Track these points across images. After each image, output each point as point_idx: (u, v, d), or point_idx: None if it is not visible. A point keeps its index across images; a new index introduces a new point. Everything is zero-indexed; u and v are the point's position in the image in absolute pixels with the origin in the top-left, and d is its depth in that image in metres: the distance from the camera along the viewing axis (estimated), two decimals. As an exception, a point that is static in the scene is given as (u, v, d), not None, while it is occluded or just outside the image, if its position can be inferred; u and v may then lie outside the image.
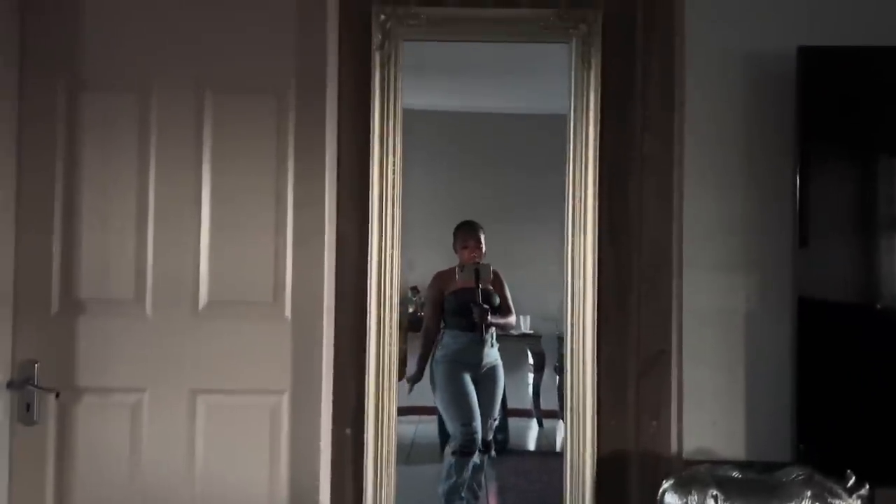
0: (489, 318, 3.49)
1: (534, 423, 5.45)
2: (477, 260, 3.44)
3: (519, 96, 6.44)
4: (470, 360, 3.57)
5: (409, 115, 6.54)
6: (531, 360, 4.22)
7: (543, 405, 5.83)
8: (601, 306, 2.30)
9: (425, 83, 6.04)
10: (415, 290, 6.51)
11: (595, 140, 2.29)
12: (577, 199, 2.29)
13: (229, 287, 2.36)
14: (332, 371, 2.21)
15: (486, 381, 3.63)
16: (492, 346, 3.62)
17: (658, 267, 2.23)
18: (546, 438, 5.54)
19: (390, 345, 2.30)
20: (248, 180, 2.36)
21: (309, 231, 2.44)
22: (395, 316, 2.31)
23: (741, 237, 2.21)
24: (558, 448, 5.36)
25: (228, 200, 2.36)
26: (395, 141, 2.31)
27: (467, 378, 3.56)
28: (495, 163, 6.45)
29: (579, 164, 2.28)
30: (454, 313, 3.54)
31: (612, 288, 2.32)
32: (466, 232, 3.52)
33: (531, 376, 4.44)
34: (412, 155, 6.66)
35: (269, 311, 2.35)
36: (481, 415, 3.52)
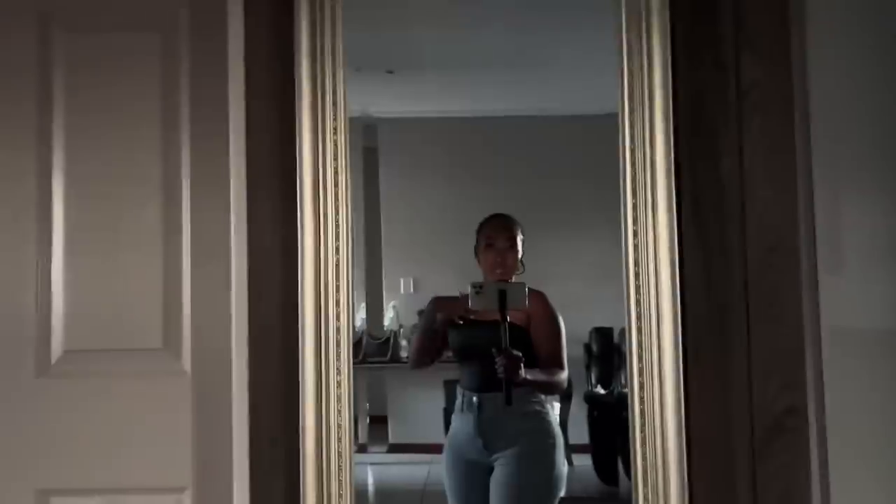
0: (522, 372, 2.00)
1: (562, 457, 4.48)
2: (502, 275, 2.08)
3: (528, 96, 5.59)
4: (476, 442, 2.08)
5: (409, 123, 5.72)
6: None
7: (572, 439, 4.89)
8: (687, 338, 1.30)
9: (421, 87, 5.26)
10: (421, 314, 5.61)
11: (664, 66, 1.30)
12: (641, 169, 1.29)
13: (97, 329, 1.53)
14: (246, 457, 1.22)
15: (504, 476, 2.05)
16: (523, 416, 2.08)
17: (776, 271, 1.23)
18: (577, 481, 4.60)
19: (338, 408, 1.31)
20: (121, 165, 1.43)
21: (216, 242, 1.46)
22: (347, 367, 1.32)
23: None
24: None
25: (92, 196, 1.40)
26: (336, 99, 1.33)
27: (471, 470, 2.11)
28: (509, 171, 5.61)
29: (640, 108, 1.30)
30: (460, 360, 2.16)
31: (703, 309, 1.33)
32: (492, 226, 2.14)
33: (557, 406, 3.43)
34: (413, 166, 5.83)
35: (157, 362, 1.50)
36: None
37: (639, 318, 1.26)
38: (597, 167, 5.85)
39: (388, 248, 5.64)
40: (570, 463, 4.67)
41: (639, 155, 1.27)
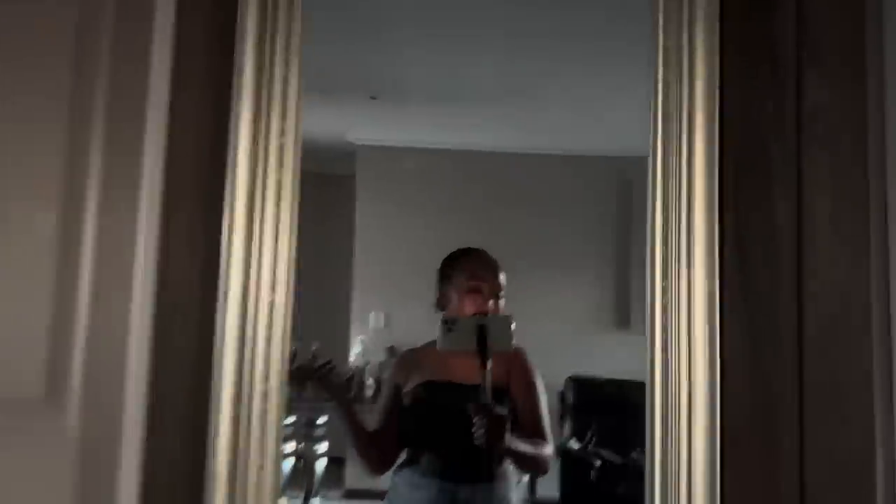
0: (509, 440, 1.50)
1: (529, 515, 4.15)
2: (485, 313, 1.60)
3: (515, 132, 5.34)
4: None
5: (389, 152, 5.44)
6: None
7: (540, 493, 4.57)
8: (725, 437, 0.97)
9: (405, 116, 4.99)
10: (391, 350, 5.25)
11: (709, 81, 0.99)
12: (673, 209, 0.96)
13: None
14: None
15: None
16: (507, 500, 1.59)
17: (840, 347, 0.90)
18: (545, 539, 4.27)
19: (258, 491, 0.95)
20: (10, 164, 1.05)
21: (124, 271, 1.11)
22: (272, 437, 0.96)
23: None
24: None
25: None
26: (287, 92, 0.99)
27: None
28: (489, 207, 5.34)
29: (675, 132, 0.98)
30: (427, 432, 1.63)
31: (745, 396, 1.00)
32: (478, 265, 1.66)
33: (549, 465, 3.08)
34: (391, 197, 5.55)
35: (37, 415, 1.06)
36: None
37: (664, 403, 0.93)
38: (581, 208, 5.65)
39: (359, 279, 5.32)
40: (537, 519, 4.33)
41: (672, 190, 0.94)
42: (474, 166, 5.37)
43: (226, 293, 0.93)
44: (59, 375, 1.12)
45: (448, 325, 1.49)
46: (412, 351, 1.75)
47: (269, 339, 0.96)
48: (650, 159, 0.99)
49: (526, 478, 4.34)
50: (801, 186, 1.01)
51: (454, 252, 1.71)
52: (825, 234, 1.01)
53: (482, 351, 1.45)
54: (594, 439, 4.74)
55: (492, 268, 1.66)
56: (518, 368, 1.64)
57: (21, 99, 1.15)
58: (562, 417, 4.70)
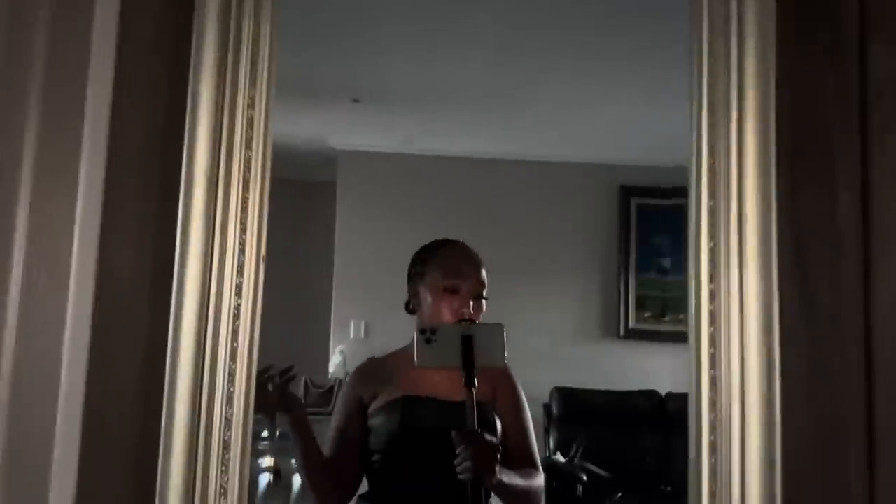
0: (498, 471, 1.22)
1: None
2: (468, 318, 1.34)
3: (501, 138, 5.21)
4: None
5: (371, 158, 5.27)
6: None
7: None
8: (788, 474, 0.80)
9: (388, 120, 4.83)
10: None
11: (761, 52, 0.82)
12: (722, 197, 0.80)
13: None
14: None
15: None
16: None
17: None
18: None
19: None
20: None
21: (58, 264, 0.91)
22: (238, 481, 0.77)
23: None
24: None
25: None
26: (256, 57, 0.80)
27: None
28: (474, 214, 5.19)
29: (723, 109, 0.81)
30: (404, 460, 1.35)
31: (804, 422, 0.84)
32: (457, 259, 1.41)
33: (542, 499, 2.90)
34: (373, 203, 5.37)
35: None
36: None
37: (713, 429, 0.75)
38: (566, 216, 5.50)
39: (339, 288, 5.13)
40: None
41: (721, 182, 0.77)
42: (459, 173, 5.24)
43: (179, 301, 0.75)
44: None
45: (426, 335, 1.19)
46: (379, 360, 1.45)
47: (233, 354, 0.78)
48: (693, 147, 0.82)
49: None
50: (866, 175, 0.85)
51: (428, 244, 1.44)
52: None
53: (468, 367, 1.16)
54: (580, 452, 4.57)
55: (472, 263, 1.40)
56: (504, 385, 1.39)
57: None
58: (547, 430, 4.54)
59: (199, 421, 0.76)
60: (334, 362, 4.97)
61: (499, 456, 1.21)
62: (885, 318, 0.83)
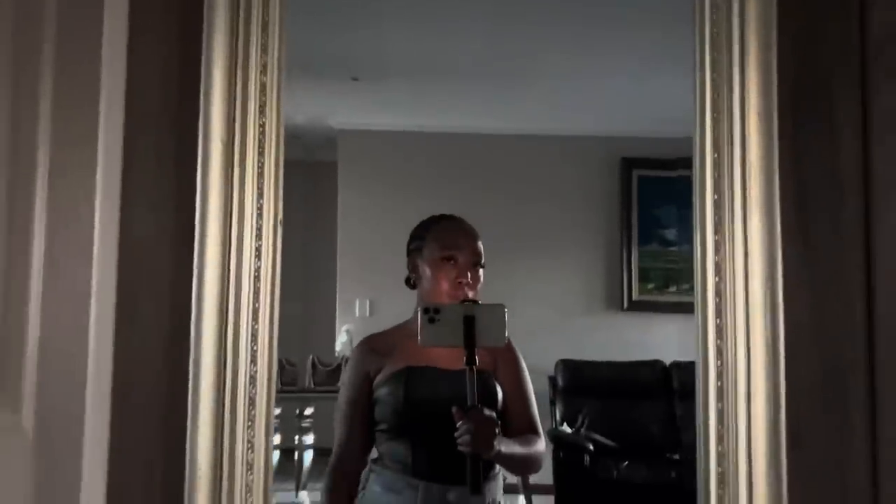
0: (497, 443, 1.27)
1: (521, 501, 4.05)
2: (470, 295, 1.39)
3: (502, 113, 5.20)
4: None
5: (372, 136, 5.26)
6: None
7: (533, 479, 4.44)
8: (787, 408, 0.83)
9: (388, 97, 4.81)
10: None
11: (762, 6, 0.84)
12: (726, 148, 0.82)
13: None
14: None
15: None
16: None
17: None
18: (538, 525, 4.15)
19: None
20: None
21: (82, 245, 0.93)
22: (265, 449, 0.80)
23: None
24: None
25: None
26: (268, 21, 0.82)
27: None
28: (476, 190, 5.20)
29: (725, 61, 0.83)
30: (408, 427, 1.39)
31: (809, 366, 0.86)
32: (452, 231, 1.44)
33: (542, 463, 2.95)
34: (375, 181, 5.38)
35: None
36: None
37: (719, 375, 0.78)
38: (568, 189, 5.50)
39: (343, 266, 5.16)
40: (529, 503, 4.22)
41: (723, 132, 0.79)
42: (460, 149, 5.24)
43: (201, 264, 0.77)
44: (10, 369, 0.96)
45: (430, 314, 1.23)
46: (382, 334, 1.49)
47: (255, 315, 0.80)
48: (695, 101, 0.84)
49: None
50: (867, 126, 0.87)
51: (424, 220, 1.49)
52: (896, 180, 0.87)
53: (469, 347, 1.21)
54: (586, 423, 4.62)
55: (467, 233, 1.44)
56: (505, 355, 1.44)
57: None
58: (552, 402, 4.59)
59: (224, 379, 0.79)
60: (340, 341, 5.01)
61: (497, 430, 1.26)
62: (883, 266, 0.85)
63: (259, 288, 0.78)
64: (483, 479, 1.24)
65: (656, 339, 4.84)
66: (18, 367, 0.95)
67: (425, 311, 1.25)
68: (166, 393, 0.84)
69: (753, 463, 0.78)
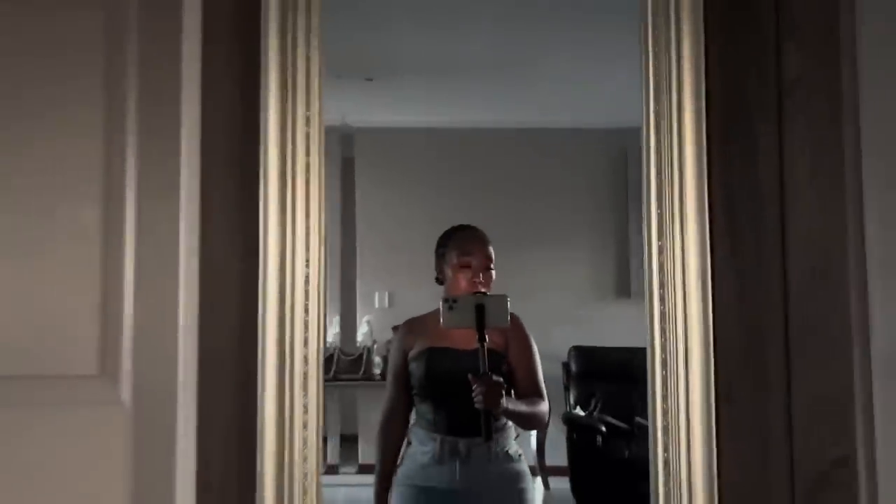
0: (504, 401, 1.67)
1: (538, 483, 4.29)
2: (481, 290, 1.77)
3: (512, 107, 5.40)
4: (456, 497, 1.75)
5: (387, 133, 5.50)
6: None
7: (549, 461, 4.69)
8: (719, 375, 1.08)
9: (402, 95, 5.05)
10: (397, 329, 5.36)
11: (695, 53, 1.09)
12: (666, 171, 1.07)
13: (19, 351, 1.25)
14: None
15: None
16: (506, 456, 1.79)
17: (821, 295, 1.02)
18: (554, 503, 4.40)
19: (304, 456, 1.06)
20: (54, 159, 1.15)
21: (164, 248, 1.21)
22: (317, 406, 1.07)
23: None
24: (571, 519, 4.27)
25: (16, 193, 1.15)
26: (310, 84, 1.09)
27: None
28: (490, 183, 5.42)
29: (666, 101, 1.08)
30: (430, 393, 1.79)
31: (736, 340, 1.11)
32: (468, 240, 1.81)
33: (547, 418, 3.22)
34: (391, 177, 5.62)
35: (91, 390, 1.23)
36: None
37: (663, 349, 1.04)
38: (579, 180, 5.71)
39: (362, 260, 5.42)
40: (546, 486, 4.47)
41: (665, 155, 1.05)
42: (472, 144, 5.44)
43: (265, 268, 1.04)
44: (110, 353, 1.23)
45: (449, 303, 1.67)
46: (417, 319, 1.89)
47: (306, 308, 1.07)
48: (643, 129, 1.10)
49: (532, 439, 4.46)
50: (782, 149, 1.12)
51: (447, 230, 1.86)
52: (805, 191, 1.11)
53: (481, 327, 1.63)
54: (598, 406, 4.85)
55: (480, 242, 1.81)
56: (515, 334, 1.80)
57: (57, 100, 1.24)
58: (566, 387, 4.82)
59: (284, 358, 1.05)
60: (362, 332, 5.28)
61: (503, 392, 1.67)
62: (794, 260, 1.10)
63: (309, 302, 1.06)
64: (493, 429, 1.67)
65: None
66: (117, 354, 1.23)
67: (445, 300, 1.69)
68: (239, 372, 1.11)
69: (691, 416, 1.03)
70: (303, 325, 1.03)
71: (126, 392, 1.22)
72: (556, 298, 5.15)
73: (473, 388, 1.63)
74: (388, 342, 4.85)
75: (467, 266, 1.77)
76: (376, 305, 5.38)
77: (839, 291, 1.09)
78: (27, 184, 1.24)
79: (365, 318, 5.30)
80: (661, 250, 1.05)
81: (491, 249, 1.80)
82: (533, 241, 5.12)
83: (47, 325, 1.22)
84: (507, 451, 1.77)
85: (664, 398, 1.04)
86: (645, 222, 1.07)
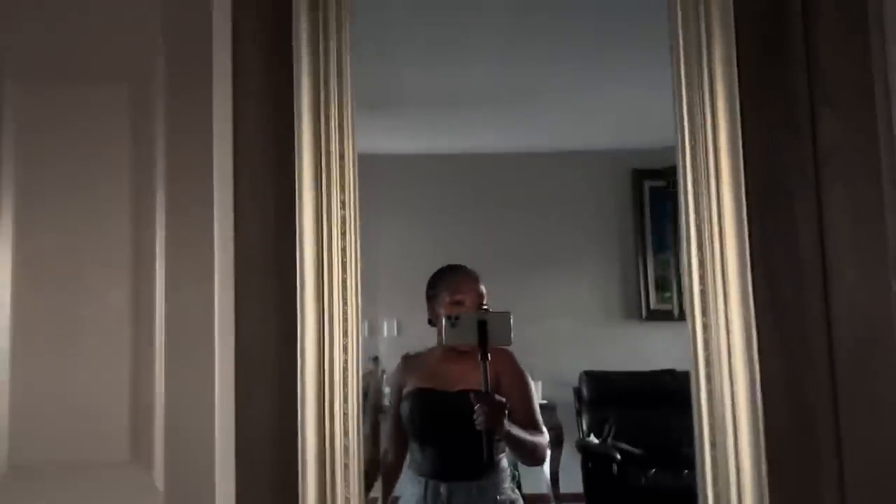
0: (506, 423, 1.65)
1: (551, 514, 4.25)
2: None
3: (514, 133, 5.42)
4: None
5: (391, 161, 5.49)
6: (546, 436, 2.73)
7: (563, 488, 4.65)
8: (771, 453, 1.07)
9: (404, 124, 5.07)
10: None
11: (731, 122, 1.08)
12: (708, 247, 1.06)
13: (50, 438, 1.28)
14: None
15: None
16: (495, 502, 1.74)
17: (869, 369, 1.01)
18: (572, 531, 4.37)
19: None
20: (82, 242, 1.16)
21: (196, 334, 1.20)
22: (356, 484, 1.05)
23: None
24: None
25: (46, 278, 1.15)
26: (344, 164, 1.10)
27: None
28: (494, 209, 5.42)
29: (703, 174, 1.08)
30: (415, 435, 1.79)
31: (784, 419, 1.10)
32: (458, 280, 1.82)
33: (547, 454, 3.19)
34: (395, 204, 5.60)
35: (124, 477, 1.15)
36: None
37: (712, 429, 1.03)
38: (585, 204, 5.70)
39: (369, 290, 5.40)
40: (562, 513, 4.43)
41: (705, 230, 1.04)
42: (476, 170, 5.43)
43: (302, 355, 1.04)
44: (143, 439, 1.22)
45: (451, 320, 1.67)
46: (413, 356, 1.89)
47: (345, 398, 1.06)
48: (681, 207, 1.09)
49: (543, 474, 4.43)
50: (821, 218, 1.11)
51: (437, 271, 1.86)
52: (847, 261, 1.11)
53: (483, 344, 1.61)
54: (612, 432, 4.82)
55: (472, 280, 1.81)
56: (507, 367, 1.77)
57: (85, 181, 1.24)
58: (579, 413, 4.79)
59: (324, 453, 1.05)
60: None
61: (506, 412, 1.63)
62: (840, 334, 1.09)
63: (348, 392, 1.06)
64: (495, 451, 1.65)
65: (676, 347, 5.01)
66: (149, 440, 1.22)
67: (448, 318, 1.68)
68: (278, 461, 1.10)
69: (742, 495, 1.02)
70: (342, 420, 1.02)
71: (159, 478, 1.21)
72: (564, 323, 5.13)
73: (475, 407, 1.61)
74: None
75: (459, 304, 1.76)
76: (385, 334, 5.35)
77: (888, 362, 1.08)
78: (55, 263, 1.23)
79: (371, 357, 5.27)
80: (705, 327, 1.04)
81: (482, 287, 1.79)
82: (541, 265, 5.11)
83: (80, 412, 1.21)
84: (497, 498, 1.70)
85: (714, 482, 1.02)
86: (688, 298, 1.06)
